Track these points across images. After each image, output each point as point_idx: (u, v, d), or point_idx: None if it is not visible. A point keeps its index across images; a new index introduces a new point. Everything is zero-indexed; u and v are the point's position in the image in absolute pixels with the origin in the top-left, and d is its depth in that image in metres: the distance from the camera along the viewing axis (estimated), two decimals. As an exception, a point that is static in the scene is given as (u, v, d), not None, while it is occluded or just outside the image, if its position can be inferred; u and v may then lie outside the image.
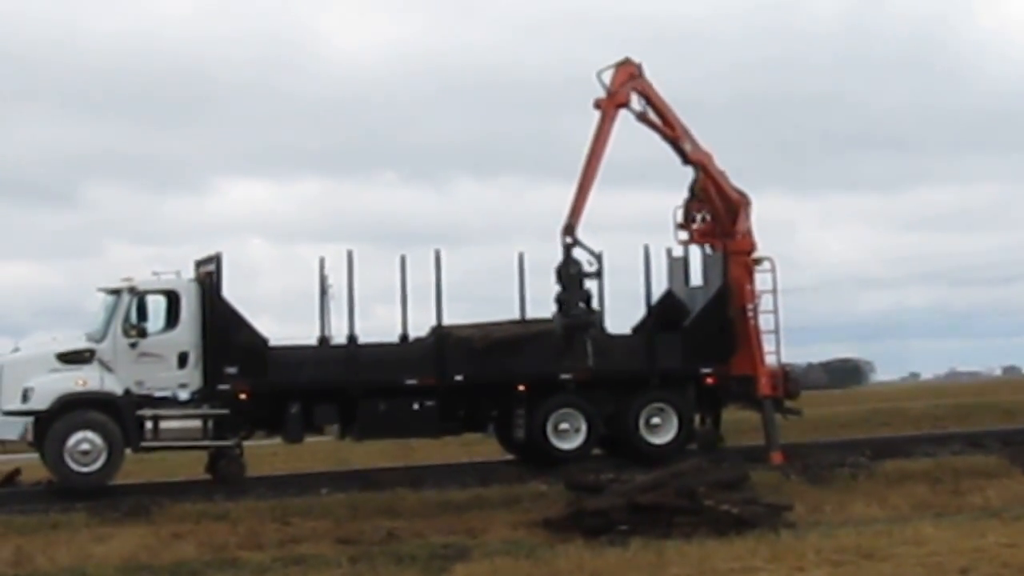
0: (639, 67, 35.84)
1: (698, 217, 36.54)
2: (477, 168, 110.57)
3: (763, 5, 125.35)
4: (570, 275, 33.70)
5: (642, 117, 35.96)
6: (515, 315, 34.32)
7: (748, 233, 35.84)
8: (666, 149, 36.34)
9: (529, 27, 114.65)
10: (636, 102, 35.84)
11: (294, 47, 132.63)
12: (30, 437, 31.38)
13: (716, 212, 36.33)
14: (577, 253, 33.74)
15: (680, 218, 36.55)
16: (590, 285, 33.88)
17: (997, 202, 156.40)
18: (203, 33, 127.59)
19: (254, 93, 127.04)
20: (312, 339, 33.22)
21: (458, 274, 33.82)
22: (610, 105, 35.35)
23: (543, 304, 34.30)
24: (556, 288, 33.82)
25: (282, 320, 32.24)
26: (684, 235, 36.65)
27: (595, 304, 34.04)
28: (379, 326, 33.79)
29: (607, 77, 35.50)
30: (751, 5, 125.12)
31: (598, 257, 33.74)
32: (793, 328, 35.53)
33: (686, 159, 36.25)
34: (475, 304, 33.03)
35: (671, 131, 36.23)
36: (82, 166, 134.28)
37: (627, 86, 35.73)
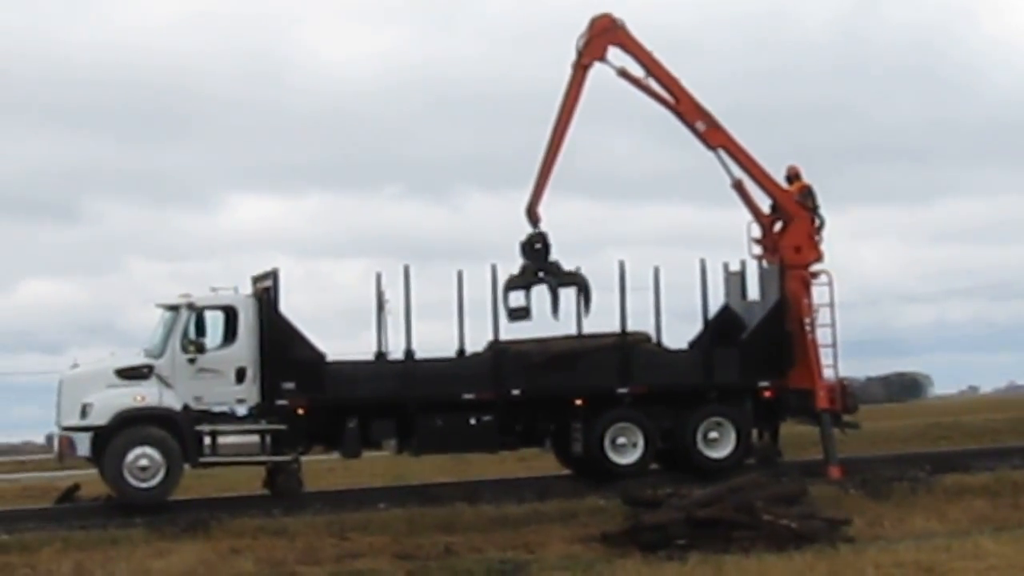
0: (618, 20, 33.81)
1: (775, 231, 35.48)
2: (482, 181, 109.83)
3: (751, 14, 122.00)
4: (534, 250, 33.94)
5: (624, 74, 34.13)
6: (571, 330, 34.26)
7: (804, 247, 35.00)
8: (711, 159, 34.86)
9: (516, 37, 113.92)
10: (616, 59, 33.94)
11: (278, 59, 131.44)
12: (88, 452, 31.55)
13: (757, 216, 35.45)
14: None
15: (758, 232, 35.79)
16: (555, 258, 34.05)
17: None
18: (183, 46, 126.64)
19: (243, 106, 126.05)
20: (369, 354, 33.33)
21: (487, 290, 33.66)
22: (578, 64, 33.60)
23: (597, 318, 34.33)
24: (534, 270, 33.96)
25: (320, 335, 32.00)
26: (758, 250, 35.83)
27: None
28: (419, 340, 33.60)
29: (583, 41, 33.89)
30: (739, 14, 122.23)
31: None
32: (842, 342, 35.20)
33: (705, 142, 34.70)
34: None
35: (674, 101, 34.32)
36: (78, 181, 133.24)
37: (601, 39, 33.64)
